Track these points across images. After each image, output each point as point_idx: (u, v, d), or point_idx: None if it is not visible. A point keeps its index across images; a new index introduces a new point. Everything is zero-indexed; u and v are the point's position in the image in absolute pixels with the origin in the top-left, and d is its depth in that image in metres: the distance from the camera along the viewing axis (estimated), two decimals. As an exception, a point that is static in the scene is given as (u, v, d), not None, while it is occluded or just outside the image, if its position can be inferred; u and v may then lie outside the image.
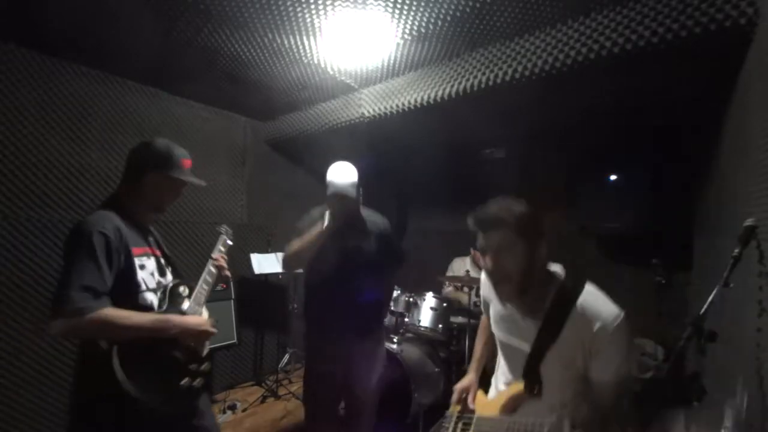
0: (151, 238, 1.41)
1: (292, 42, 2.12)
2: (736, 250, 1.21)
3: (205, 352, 1.36)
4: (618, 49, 1.67)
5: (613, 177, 3.19)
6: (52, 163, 2.34)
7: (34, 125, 2.27)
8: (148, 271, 1.30)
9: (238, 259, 3.35)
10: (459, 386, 1.37)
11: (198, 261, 3.06)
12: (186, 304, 1.35)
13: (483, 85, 2.12)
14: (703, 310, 1.28)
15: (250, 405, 2.99)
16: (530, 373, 1.07)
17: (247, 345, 3.43)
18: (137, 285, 1.24)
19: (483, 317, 1.51)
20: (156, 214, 1.43)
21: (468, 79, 2.18)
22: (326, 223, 1.67)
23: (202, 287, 1.43)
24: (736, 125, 1.68)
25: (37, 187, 2.28)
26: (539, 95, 2.21)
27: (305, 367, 1.93)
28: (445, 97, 2.29)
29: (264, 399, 3.10)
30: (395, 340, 2.72)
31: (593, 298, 1.01)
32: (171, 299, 1.32)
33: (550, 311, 1.04)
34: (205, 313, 1.41)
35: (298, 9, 1.82)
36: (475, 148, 3.77)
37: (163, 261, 1.41)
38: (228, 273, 1.57)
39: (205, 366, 1.33)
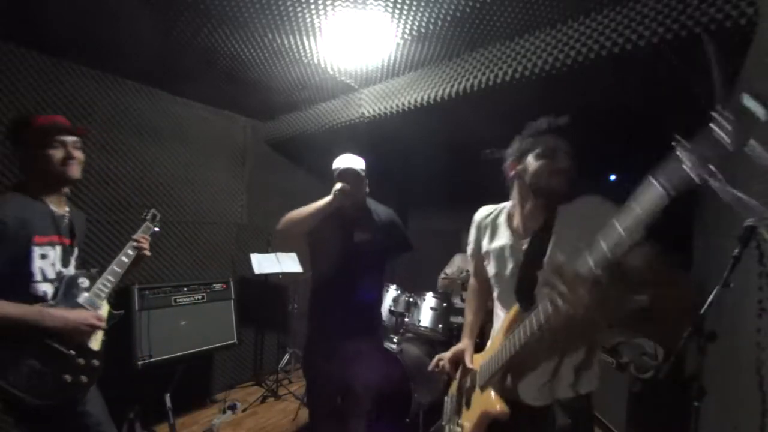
0: (65, 224, 1.37)
1: (292, 42, 2.12)
2: (736, 250, 1.22)
3: (97, 346, 1.32)
4: (618, 49, 1.67)
5: (612, 177, 3.19)
6: (52, 163, 2.33)
7: (34, 125, 2.27)
8: (49, 261, 1.28)
9: (238, 259, 3.35)
10: (451, 351, 1.41)
11: (198, 261, 3.06)
12: (83, 297, 1.33)
13: (483, 85, 2.13)
14: (703, 310, 1.28)
15: (250, 405, 2.99)
16: (522, 288, 1.12)
17: (247, 345, 3.43)
18: (30, 275, 1.23)
19: (471, 281, 1.52)
20: (63, 187, 1.39)
21: (468, 79, 2.18)
22: (330, 197, 1.64)
23: (107, 278, 1.40)
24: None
25: (37, 187, 2.28)
26: (539, 95, 2.20)
27: (305, 344, 1.88)
28: (445, 97, 2.29)
29: (264, 399, 3.10)
30: (395, 340, 2.72)
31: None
32: (67, 290, 1.30)
33: (542, 227, 1.14)
34: (104, 308, 1.39)
35: (298, 9, 1.82)
36: (475, 148, 3.75)
37: (69, 250, 1.37)
38: (148, 253, 1.54)
39: (94, 361, 1.30)
